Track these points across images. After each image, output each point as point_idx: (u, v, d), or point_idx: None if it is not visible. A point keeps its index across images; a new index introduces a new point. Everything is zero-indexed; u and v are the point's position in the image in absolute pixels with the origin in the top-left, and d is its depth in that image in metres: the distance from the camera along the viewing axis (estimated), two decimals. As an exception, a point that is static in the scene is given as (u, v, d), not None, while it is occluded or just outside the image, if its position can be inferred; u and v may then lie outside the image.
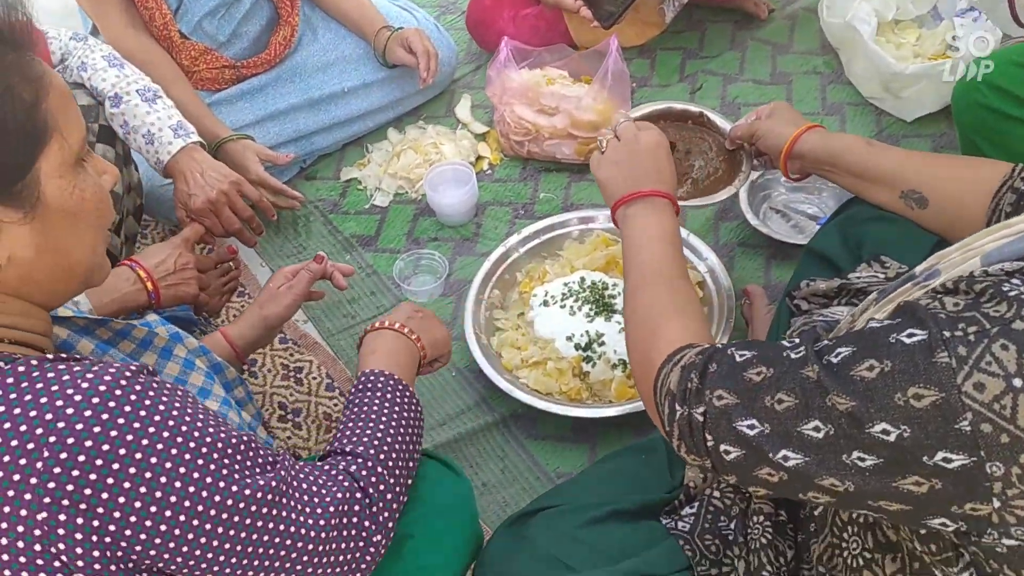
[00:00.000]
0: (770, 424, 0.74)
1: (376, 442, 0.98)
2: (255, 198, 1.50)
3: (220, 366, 1.18)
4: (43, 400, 0.69)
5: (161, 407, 0.73)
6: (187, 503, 0.73)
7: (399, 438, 1.00)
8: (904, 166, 1.13)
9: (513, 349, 1.55)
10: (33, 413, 0.68)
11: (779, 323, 1.32)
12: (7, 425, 0.68)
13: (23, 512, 0.67)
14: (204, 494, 0.74)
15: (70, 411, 0.69)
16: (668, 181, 1.12)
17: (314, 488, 0.87)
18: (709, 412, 0.79)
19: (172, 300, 1.33)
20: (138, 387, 0.72)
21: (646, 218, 1.07)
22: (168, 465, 0.72)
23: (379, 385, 1.04)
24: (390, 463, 0.97)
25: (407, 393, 1.05)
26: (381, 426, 1.00)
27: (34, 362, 0.72)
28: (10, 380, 0.70)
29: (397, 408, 1.02)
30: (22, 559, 0.68)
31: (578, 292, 1.57)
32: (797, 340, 0.79)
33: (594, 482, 1.19)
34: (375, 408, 1.01)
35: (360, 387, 1.05)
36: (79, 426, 0.69)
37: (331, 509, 0.87)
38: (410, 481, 1.00)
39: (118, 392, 0.71)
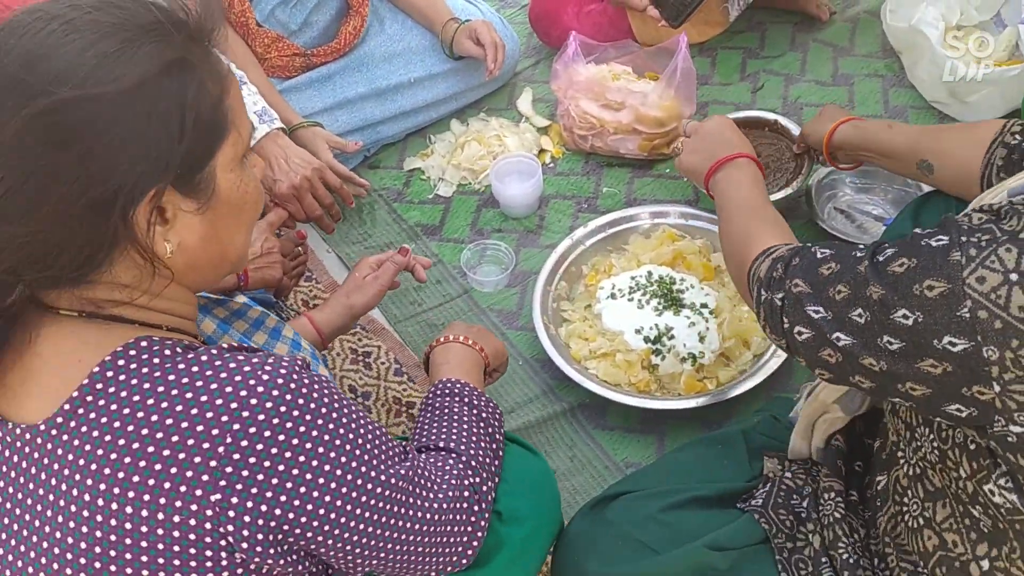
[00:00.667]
0: (831, 311, 0.85)
1: (465, 439, 1.04)
2: (336, 185, 1.52)
3: (311, 349, 1.23)
4: (228, 389, 0.73)
5: (326, 399, 0.78)
6: (344, 489, 0.77)
7: (485, 438, 1.07)
8: (916, 140, 1.29)
9: (581, 340, 1.57)
10: (219, 401, 0.72)
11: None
12: (194, 411, 0.72)
13: (198, 492, 0.71)
14: (359, 481, 0.78)
15: (254, 401, 0.73)
16: (741, 146, 1.29)
17: (435, 476, 0.93)
18: (787, 298, 0.90)
19: (258, 283, 1.37)
20: (307, 380, 0.76)
21: (732, 175, 1.25)
22: (332, 455, 0.77)
23: (456, 391, 1.11)
24: (480, 457, 1.03)
25: (483, 398, 1.12)
26: (465, 426, 1.06)
27: (214, 351, 0.76)
28: (195, 368, 0.74)
29: (476, 411, 1.09)
30: (191, 536, 0.71)
31: (645, 286, 1.59)
32: (868, 244, 0.90)
33: (672, 469, 1.22)
34: (456, 411, 1.08)
35: (439, 393, 1.11)
36: (261, 416, 0.72)
37: (450, 494, 0.92)
38: (497, 479, 1.06)
39: (293, 385, 0.75)
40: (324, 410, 0.77)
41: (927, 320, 0.76)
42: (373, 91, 1.94)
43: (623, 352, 1.52)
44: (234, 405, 0.73)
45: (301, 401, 0.75)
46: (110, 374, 0.74)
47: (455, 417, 1.08)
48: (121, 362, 0.75)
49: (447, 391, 1.12)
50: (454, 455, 1.02)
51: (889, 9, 2.02)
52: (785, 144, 1.71)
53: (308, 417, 0.76)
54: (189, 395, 0.73)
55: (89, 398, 0.73)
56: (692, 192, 1.83)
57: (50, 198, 0.69)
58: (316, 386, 0.77)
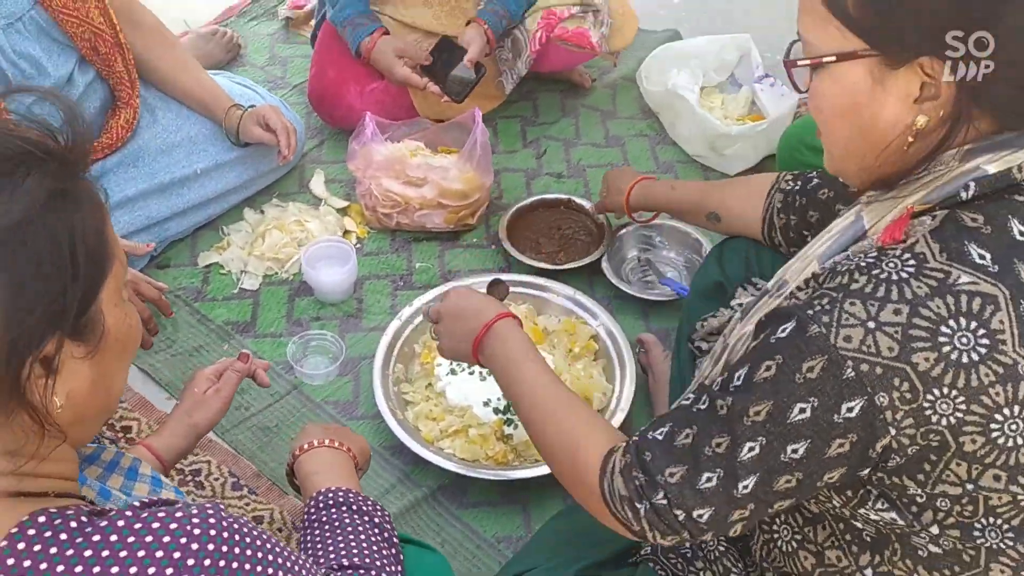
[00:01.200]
0: (720, 468, 0.83)
1: (367, 551, 1.00)
2: (154, 297, 1.39)
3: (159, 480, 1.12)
4: (159, 555, 0.66)
5: (258, 543, 0.73)
6: None
7: (384, 544, 1.03)
8: (701, 195, 1.47)
9: (430, 421, 1.55)
10: (152, 571, 0.65)
11: (681, 368, 1.44)
12: None
13: None
14: None
15: (191, 562, 0.66)
16: (491, 308, 1.16)
17: None
18: (669, 491, 0.85)
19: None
20: (236, 526, 0.71)
21: (500, 347, 1.11)
22: None
23: (340, 500, 1.06)
24: (388, 567, 1.00)
25: (369, 502, 1.07)
26: (363, 537, 1.01)
27: (128, 513, 0.68)
28: (114, 537, 0.66)
29: (367, 518, 1.04)
30: None
31: None
32: (692, 394, 0.90)
33: (559, 540, 1.24)
34: (347, 522, 1.03)
35: (322, 505, 1.06)
36: None
37: None
38: None
39: (225, 535, 0.69)
40: (260, 555, 0.72)
41: (822, 400, 0.78)
42: (156, 187, 1.80)
43: (475, 426, 1.52)
44: (170, 572, 0.66)
45: (237, 551, 0.70)
46: (11, 562, 0.63)
47: (348, 529, 1.03)
48: (21, 545, 0.64)
49: (331, 502, 1.06)
50: (362, 571, 0.97)
51: (644, 76, 2.22)
52: (582, 217, 1.92)
53: (247, 567, 0.70)
54: (115, 570, 0.65)
55: None
56: (503, 260, 1.89)
57: None
58: (245, 530, 0.72)
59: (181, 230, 1.86)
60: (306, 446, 1.16)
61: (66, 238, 0.66)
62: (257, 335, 1.74)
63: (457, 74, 1.96)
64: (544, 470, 1.47)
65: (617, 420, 1.53)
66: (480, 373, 1.59)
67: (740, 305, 1.28)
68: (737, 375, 0.83)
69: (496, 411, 1.53)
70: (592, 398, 1.58)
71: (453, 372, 1.59)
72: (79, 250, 0.66)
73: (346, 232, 1.93)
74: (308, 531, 1.04)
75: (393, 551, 1.04)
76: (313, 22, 2.24)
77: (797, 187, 1.30)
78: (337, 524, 1.03)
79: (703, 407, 0.86)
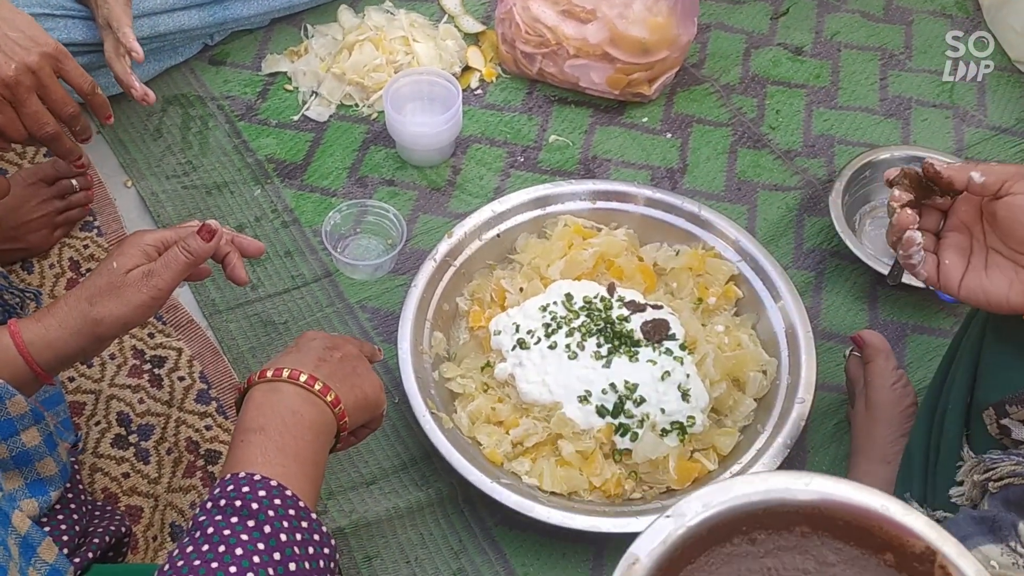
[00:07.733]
0: None
1: None
2: (85, 88, 0.88)
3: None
4: None
5: None
6: None
7: None
8: None
9: (492, 427, 0.98)
10: None
11: (942, 438, 0.82)
12: None
13: None
14: None
15: None
16: None
17: None
18: None
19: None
20: None
21: None
22: None
23: (259, 507, 0.61)
24: None
25: (311, 529, 0.63)
26: None
27: None
28: None
29: (295, 559, 0.60)
30: None
31: (569, 318, 1.01)
32: None
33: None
34: (248, 555, 0.58)
35: (225, 503, 0.61)
36: None
37: None
38: None
39: None
40: None
41: None
42: (222, -53, 1.28)
43: (570, 439, 0.95)
44: None
45: None
46: None
47: (243, 563, 0.58)
48: None
49: (241, 505, 0.61)
50: None
51: (971, -78, 1.45)
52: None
53: None
54: None
55: None
56: (678, 158, 1.26)
57: None
58: None
59: (248, 15, 1.34)
60: (271, 371, 0.72)
61: None
62: (303, 185, 1.23)
63: None
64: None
65: (795, 415, 0.94)
66: (567, 346, 1.00)
67: None
68: None
69: (601, 412, 0.96)
70: (745, 379, 1.00)
71: (522, 346, 1.00)
72: None
73: (467, 69, 1.35)
74: (192, 536, 0.60)
75: None
76: None
77: None
78: (226, 549, 0.58)
79: None
